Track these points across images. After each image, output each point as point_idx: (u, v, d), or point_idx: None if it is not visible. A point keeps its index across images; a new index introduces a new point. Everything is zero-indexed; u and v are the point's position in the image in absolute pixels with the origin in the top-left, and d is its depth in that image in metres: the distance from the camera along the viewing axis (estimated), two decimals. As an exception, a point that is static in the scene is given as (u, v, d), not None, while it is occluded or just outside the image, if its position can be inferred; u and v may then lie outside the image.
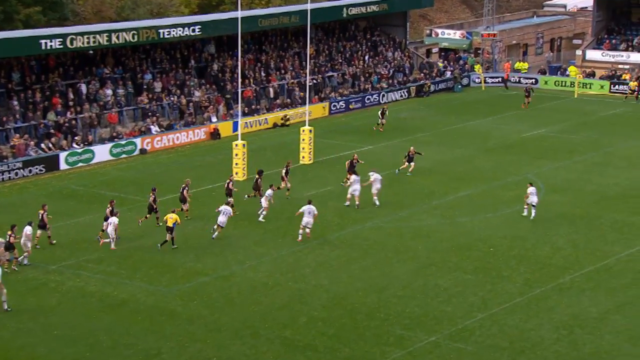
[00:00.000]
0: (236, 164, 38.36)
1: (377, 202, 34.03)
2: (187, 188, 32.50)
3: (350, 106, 55.41)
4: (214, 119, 48.54)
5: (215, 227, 30.23)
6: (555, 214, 32.94)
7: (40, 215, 29.31)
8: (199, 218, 32.01)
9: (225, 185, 33.15)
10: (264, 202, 32.49)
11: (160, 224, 30.84)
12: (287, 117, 51.21)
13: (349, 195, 33.91)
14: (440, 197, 35.61)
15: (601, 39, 65.55)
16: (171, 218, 29.13)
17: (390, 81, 59.57)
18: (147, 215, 31.44)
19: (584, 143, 44.43)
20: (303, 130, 41.69)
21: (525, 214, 32.69)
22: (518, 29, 74.39)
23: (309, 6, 43.23)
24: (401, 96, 58.73)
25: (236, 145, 38.50)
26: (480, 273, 27.10)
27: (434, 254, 28.95)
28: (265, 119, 50.54)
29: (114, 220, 29.18)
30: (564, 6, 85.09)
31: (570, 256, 28.42)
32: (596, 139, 45.43)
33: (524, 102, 53.63)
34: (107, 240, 29.27)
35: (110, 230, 29.10)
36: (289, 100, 53.29)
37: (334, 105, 54.65)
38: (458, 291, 25.70)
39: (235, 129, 45.72)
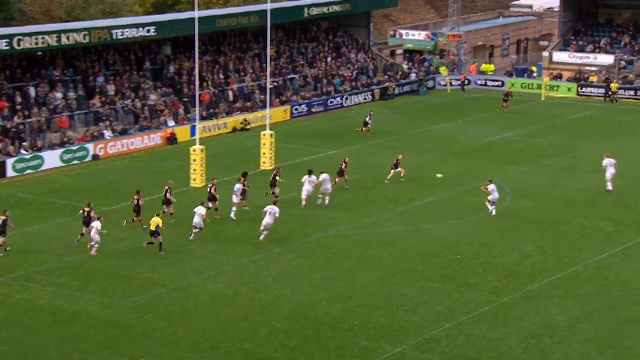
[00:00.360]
0: (194, 170, 38.17)
1: (326, 203, 34.68)
2: (170, 190, 32.86)
3: (313, 110, 55.52)
4: (170, 124, 48.26)
5: (196, 231, 30.63)
6: (523, 220, 33.37)
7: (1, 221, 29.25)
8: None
9: (208, 190, 33.50)
10: (234, 198, 32.91)
11: (145, 226, 31.13)
12: (247, 121, 51.13)
13: (304, 196, 34.56)
14: (406, 203, 35.83)
15: (568, 40, 66.59)
16: (154, 222, 29.42)
17: (354, 84, 59.83)
18: (133, 219, 31.58)
19: (551, 147, 45.08)
20: (264, 135, 41.64)
21: (494, 213, 33.55)
22: (484, 30, 75.27)
23: (269, 6, 43.26)
24: (365, 99, 59.02)
25: (194, 150, 38.31)
26: (447, 281, 27.32)
27: (400, 262, 29.12)
28: (225, 123, 50.39)
29: (97, 224, 29.33)
30: (531, 7, 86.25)
31: (538, 263, 28.80)
32: (564, 143, 46.14)
33: (502, 105, 54.07)
34: (94, 244, 29.28)
35: (93, 234, 29.24)
36: (249, 103, 53.22)
37: (296, 109, 54.71)
38: (424, 300, 25.88)
39: (193, 133, 45.51)
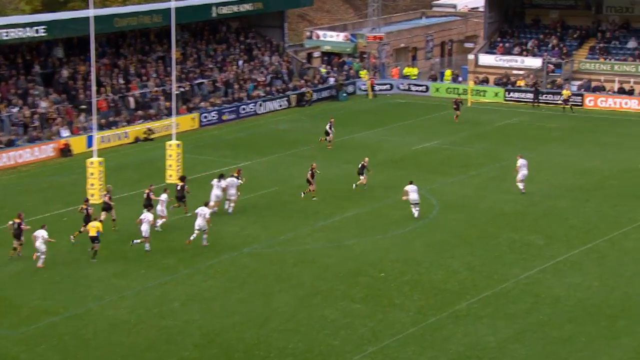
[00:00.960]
0: (92, 184, 37.45)
1: (230, 210, 35.76)
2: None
3: (223, 117, 55.31)
4: (64, 134, 47.27)
5: (142, 239, 31.52)
6: (450, 234, 33.96)
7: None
8: (48, 248, 30.97)
9: (145, 196, 33.99)
10: (160, 208, 33.41)
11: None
12: (151, 130, 50.55)
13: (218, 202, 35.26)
14: (325, 218, 36.00)
15: (494, 42, 68.28)
16: (94, 226, 29.90)
17: (268, 89, 59.92)
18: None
19: (479, 156, 46.08)
20: (170, 145, 41.23)
21: (416, 215, 35.03)
22: (406, 31, 76.50)
23: (173, 4, 42.89)
24: (280, 106, 59.16)
25: (91, 163, 37.61)
26: (370, 302, 27.54)
27: (320, 281, 29.21)
28: (126, 132, 49.70)
29: (42, 233, 29.84)
30: (454, 6, 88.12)
31: (467, 280, 29.34)
32: (492, 151, 47.23)
33: (455, 114, 53.84)
34: (40, 254, 29.67)
35: (39, 244, 29.63)
36: (152, 111, 52.63)
37: (205, 117, 54.41)
38: (346, 322, 26.01)
39: (89, 144, 44.68)
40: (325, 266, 30.61)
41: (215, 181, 35.94)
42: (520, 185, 39.01)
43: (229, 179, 36.21)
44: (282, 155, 46.28)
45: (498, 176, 42.11)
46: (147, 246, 31.67)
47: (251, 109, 57.18)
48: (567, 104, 57.56)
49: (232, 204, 36.14)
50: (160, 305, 27.15)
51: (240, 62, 61.02)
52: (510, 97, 61.46)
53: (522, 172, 38.98)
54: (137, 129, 50.04)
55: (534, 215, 36.11)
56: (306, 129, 53.49)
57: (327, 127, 47.85)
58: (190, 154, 44.39)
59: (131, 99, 52.46)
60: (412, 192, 35.43)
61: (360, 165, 39.80)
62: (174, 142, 41.29)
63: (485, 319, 26.18)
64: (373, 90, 63.20)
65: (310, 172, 38.01)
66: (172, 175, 40.30)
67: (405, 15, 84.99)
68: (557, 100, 59.44)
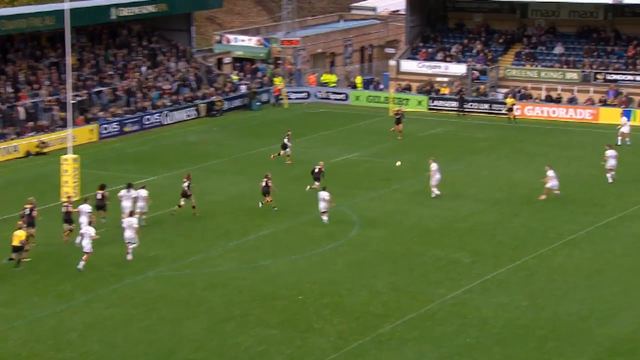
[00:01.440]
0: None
1: (143, 223, 35.75)
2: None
3: (125, 129, 54.65)
4: (-55, 147, 45.95)
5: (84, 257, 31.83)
6: (373, 253, 34.19)
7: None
8: None
9: (64, 211, 34.32)
10: (84, 224, 33.35)
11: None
12: (44, 143, 49.58)
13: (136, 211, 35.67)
14: (238, 237, 35.84)
15: (416, 47, 69.28)
16: (17, 235, 30.13)
17: (174, 98, 59.47)
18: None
19: (402, 168, 46.56)
20: (65, 160, 40.50)
21: (324, 220, 36.62)
22: (323, 35, 77.03)
23: (66, 5, 42.16)
24: (188, 116, 58.78)
25: (-24, 180, 36.65)
26: (287, 327, 27.48)
27: (233, 306, 29.03)
28: (15, 146, 48.66)
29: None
30: (374, 9, 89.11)
31: (390, 302, 29.55)
32: (416, 163, 47.79)
33: (394, 128, 53.00)
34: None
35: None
36: (45, 122, 51.60)
37: (105, 128, 53.65)
38: (261, 350, 25.89)
39: (-25, 159, 43.55)
40: (239, 289, 30.43)
41: (123, 192, 36.12)
42: (436, 190, 40.66)
43: (140, 190, 36.42)
44: (191, 170, 45.93)
45: (422, 190, 42.59)
46: (81, 264, 31.49)
47: (156, 119, 56.61)
48: (511, 113, 58.15)
49: (142, 217, 36.06)
50: (55, 336, 26.55)
51: (144, 69, 60.40)
52: (434, 105, 62.40)
53: (436, 177, 40.65)
54: (28, 141, 48.98)
55: (460, 231, 36.65)
56: (217, 140, 53.23)
57: (285, 140, 47.53)
58: (89, 169, 43.66)
59: (21, 109, 51.35)
60: (321, 201, 36.68)
61: (316, 170, 41.22)
62: (70, 156, 40.56)
63: (410, 343, 26.39)
64: (279, 100, 63.07)
65: (265, 181, 38.75)
66: (69, 192, 39.54)
67: (322, 18, 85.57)
68: (485, 108, 60.69)
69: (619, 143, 50.84)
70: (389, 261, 33.20)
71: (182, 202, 37.92)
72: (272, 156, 47.36)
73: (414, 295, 30.03)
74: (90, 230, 31.99)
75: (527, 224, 37.50)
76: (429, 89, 63.81)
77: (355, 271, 32.19)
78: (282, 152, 47.34)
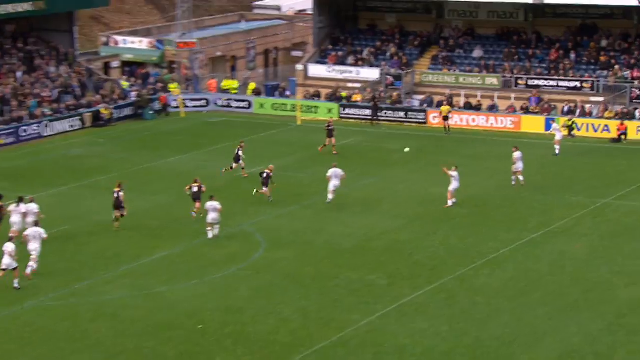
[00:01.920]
0: None
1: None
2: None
3: None
4: None
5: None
6: (280, 276, 34.17)
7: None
8: None
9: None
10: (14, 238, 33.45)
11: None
12: None
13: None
14: (130, 260, 35.43)
15: (325, 50, 69.74)
16: None
17: (55, 106, 58.51)
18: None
19: (313, 183, 46.73)
20: None
21: (210, 237, 37.46)
22: (223, 36, 76.99)
23: None
24: (72, 126, 57.95)
25: None
26: (185, 359, 27.31)
27: (124, 338, 28.64)
28: None
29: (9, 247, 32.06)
30: (278, 8, 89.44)
31: (300, 330, 29.57)
32: (324, 177, 47.93)
33: (330, 142, 52.21)
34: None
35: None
36: None
37: (-24, 140, 52.48)
38: (158, 387, 25.62)
39: None
40: (131, 320, 30.06)
41: (13, 207, 36.28)
42: (330, 196, 42.32)
43: (30, 205, 36.48)
44: (75, 187, 45.20)
45: (335, 207, 42.82)
46: (15, 282, 32.01)
47: (34, 130, 55.60)
48: (447, 122, 58.64)
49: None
50: None
51: (19, 74, 59.28)
52: (346, 113, 62.84)
53: (333, 183, 42.43)
54: None
55: (375, 251, 36.93)
56: (105, 153, 52.54)
57: (238, 151, 47.36)
58: (-41, 187, 42.62)
59: None
60: (211, 212, 37.53)
61: (265, 175, 42.40)
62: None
63: (322, 375, 26.45)
64: (166, 109, 62.60)
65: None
66: None
67: (222, 18, 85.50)
68: (401, 117, 61.40)
69: (557, 153, 52.15)
70: (298, 285, 33.23)
71: (116, 214, 38.68)
72: (223, 170, 47.32)
73: (326, 322, 30.10)
74: (9, 247, 32.29)
75: (446, 242, 38.02)
76: (339, 95, 64.15)
77: (260, 297, 32.11)
78: (234, 165, 47.38)
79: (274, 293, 32.48)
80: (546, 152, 53.17)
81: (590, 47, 63.98)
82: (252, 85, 66.64)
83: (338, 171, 43.03)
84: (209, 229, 37.91)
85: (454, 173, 42.44)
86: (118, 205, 38.61)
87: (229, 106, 65.19)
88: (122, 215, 38.78)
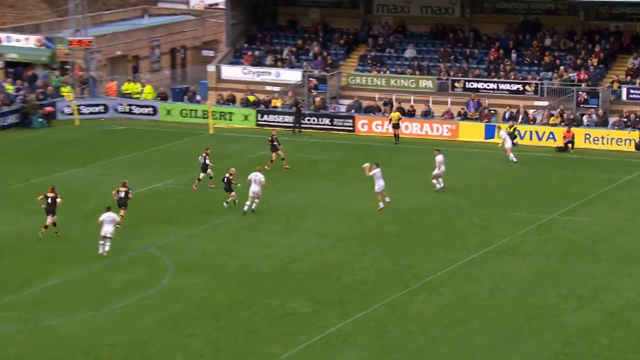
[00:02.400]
0: None
1: None
2: None
3: None
4: None
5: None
6: (190, 305, 33.89)
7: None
8: None
9: None
10: None
11: None
12: None
13: None
14: (17, 289, 34.87)
15: (240, 49, 69.62)
16: None
17: None
18: None
19: (226, 196, 46.52)
20: None
21: (101, 252, 37.98)
22: (123, 34, 76.41)
23: None
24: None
25: None
26: (83, 403, 26.87)
27: (10, 380, 28.15)
28: None
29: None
30: (186, 2, 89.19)
31: (213, 365, 29.42)
32: (245, 190, 47.78)
33: (277, 157, 51.67)
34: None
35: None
36: None
37: None
38: None
39: None
40: (16, 358, 29.50)
41: None
42: (247, 204, 43.49)
43: None
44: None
45: (251, 225, 42.67)
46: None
47: None
48: (398, 130, 58.63)
49: None
50: None
51: None
52: (265, 120, 62.74)
53: (252, 189, 43.50)
54: None
55: (298, 275, 36.87)
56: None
57: (203, 160, 47.12)
58: None
59: None
60: (106, 224, 38.13)
61: (225, 180, 43.94)
62: None
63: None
64: (49, 120, 61.60)
65: (123, 191, 41.68)
66: None
67: (122, 13, 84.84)
68: (326, 124, 61.49)
69: (515, 160, 52.99)
70: (209, 315, 33.01)
71: (49, 220, 39.83)
72: (194, 187, 47.35)
73: (242, 356, 29.96)
74: (261, 177, 35.38)
75: (378, 264, 38.12)
76: (256, 101, 64.03)
77: (167, 328, 31.84)
78: (202, 175, 47.29)
79: (182, 324, 32.19)
80: (486, 163, 53.79)
81: (533, 46, 64.97)
82: (148, 89, 65.99)
83: (259, 175, 43.67)
84: (101, 242, 38.17)
85: (376, 171, 43.62)
86: (51, 211, 39.93)
87: (130, 112, 64.63)
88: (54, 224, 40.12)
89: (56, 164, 52.44)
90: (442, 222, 43.58)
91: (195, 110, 63.88)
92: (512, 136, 56.86)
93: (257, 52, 68.50)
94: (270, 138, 52.77)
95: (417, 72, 64.98)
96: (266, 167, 49.97)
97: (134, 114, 64.63)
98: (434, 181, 47.24)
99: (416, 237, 41.38)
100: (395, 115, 59.50)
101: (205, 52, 79.91)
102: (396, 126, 58.85)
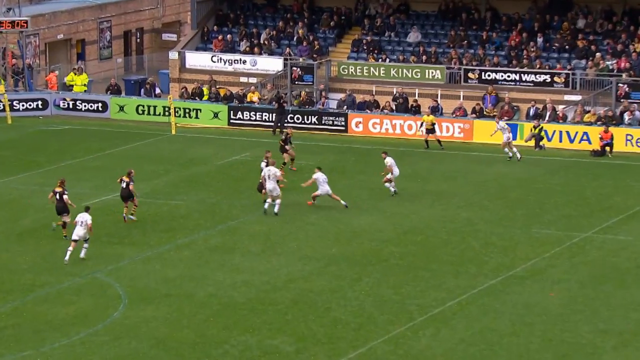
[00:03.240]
0: None
1: None
2: None
3: None
4: None
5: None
6: (148, 342, 33.86)
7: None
8: None
9: None
10: None
11: None
12: None
13: None
14: None
15: (209, 32, 69.60)
16: None
17: None
18: None
19: (191, 213, 46.51)
20: None
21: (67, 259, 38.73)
22: (66, 13, 76.16)
23: None
24: None
25: None
26: None
27: None
28: None
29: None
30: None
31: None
32: (211, 205, 47.83)
33: (290, 155, 52.96)
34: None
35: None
36: None
37: None
38: None
39: None
40: None
41: None
42: (269, 203, 45.81)
43: None
44: None
45: (223, 244, 42.67)
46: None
47: None
48: (433, 135, 58.42)
49: None
50: None
51: None
52: (238, 119, 62.75)
53: (268, 187, 45.38)
54: None
55: (279, 305, 36.87)
56: None
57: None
58: None
59: None
60: (79, 226, 40.00)
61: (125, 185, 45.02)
62: None
63: None
64: None
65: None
66: None
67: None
68: (313, 123, 61.49)
69: (519, 157, 53.23)
70: (172, 354, 33.02)
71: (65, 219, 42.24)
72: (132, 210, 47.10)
73: (212, 404, 30.02)
74: (276, 172, 37.36)
75: (375, 292, 38.14)
76: (228, 94, 63.98)
77: (121, 371, 31.90)
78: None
79: (139, 366, 32.24)
80: (507, 170, 53.92)
81: (563, 29, 65.15)
82: (81, 79, 65.65)
83: (272, 170, 45.82)
84: (70, 248, 39.77)
85: (317, 176, 46.59)
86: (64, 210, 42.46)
87: (75, 109, 64.57)
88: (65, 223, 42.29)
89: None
90: (452, 241, 43.66)
91: (154, 107, 63.89)
92: (538, 138, 57.02)
93: (229, 36, 68.53)
94: (283, 137, 53.56)
95: (423, 61, 65.00)
96: (292, 168, 53.09)
97: (79, 110, 64.59)
98: (387, 184, 49.09)
99: (422, 260, 41.43)
100: (428, 118, 59.01)
101: (166, 36, 79.89)
102: (431, 131, 58.50)
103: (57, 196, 42.49)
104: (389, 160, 48.91)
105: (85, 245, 40.44)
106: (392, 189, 49.16)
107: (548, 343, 33.93)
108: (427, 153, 57.63)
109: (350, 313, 36.37)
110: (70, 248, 39.81)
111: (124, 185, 44.72)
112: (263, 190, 46.64)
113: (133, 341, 33.94)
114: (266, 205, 46.24)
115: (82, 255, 40.36)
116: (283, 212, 46.48)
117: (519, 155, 54.80)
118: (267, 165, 47.07)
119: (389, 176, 48.94)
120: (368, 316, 36.11)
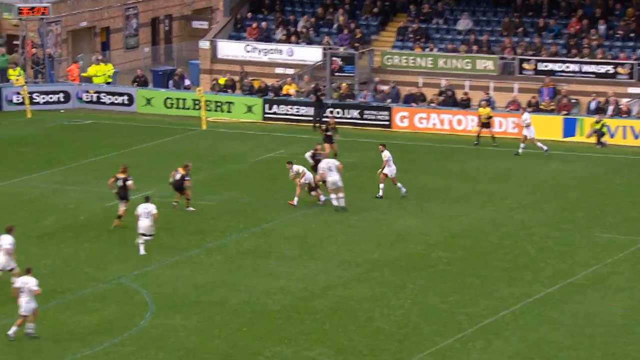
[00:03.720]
0: None
1: None
2: None
3: None
4: None
5: None
6: (177, 353, 33.91)
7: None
8: None
9: None
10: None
11: None
12: None
13: None
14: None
15: (242, 20, 69.67)
16: None
17: None
18: None
19: (223, 214, 46.59)
20: None
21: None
22: (89, 1, 76.24)
23: None
24: None
25: None
26: None
27: None
28: None
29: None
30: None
31: None
32: (245, 205, 47.89)
33: (332, 150, 53.26)
34: None
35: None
36: None
37: None
38: None
39: None
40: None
41: None
42: (334, 202, 46.52)
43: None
44: None
45: (257, 248, 42.74)
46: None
47: None
48: (488, 129, 58.48)
49: None
50: None
51: None
52: (273, 113, 62.81)
53: (332, 179, 46.55)
54: None
55: (317, 314, 36.89)
56: None
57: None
58: None
59: None
60: (143, 218, 41.16)
61: (177, 177, 46.18)
62: None
63: None
64: None
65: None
66: None
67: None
68: (354, 117, 61.55)
69: (520, 152, 54.15)
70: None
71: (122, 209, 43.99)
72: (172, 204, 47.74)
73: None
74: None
75: (421, 301, 38.08)
76: (264, 87, 64.00)
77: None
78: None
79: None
80: (566, 168, 53.75)
81: (628, 15, 64.85)
82: (92, 69, 65.72)
83: (331, 162, 47.05)
84: (140, 242, 41.70)
85: (386, 153, 47.72)
86: (124, 196, 44.39)
87: (99, 102, 64.81)
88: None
89: (1, 169, 52.67)
90: (505, 246, 43.57)
91: (184, 99, 64.03)
92: (600, 134, 56.80)
93: (263, 24, 68.60)
94: (325, 127, 54.12)
95: (474, 50, 64.88)
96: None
97: (104, 103, 64.81)
98: (399, 184, 49.05)
99: (471, 266, 41.36)
100: (484, 111, 58.92)
101: (196, 24, 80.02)
102: (486, 125, 58.51)
103: (121, 182, 43.59)
104: (386, 154, 49.05)
105: (148, 238, 41.71)
106: (403, 189, 49.11)
107: (610, 357, 33.85)
108: (477, 150, 57.49)
109: (394, 323, 36.37)
110: (141, 241, 41.21)
111: (177, 176, 46.24)
112: (313, 192, 47.16)
113: (160, 352, 34.08)
114: (335, 202, 46.95)
115: (141, 252, 41.52)
116: (322, 213, 46.53)
117: (520, 150, 54.65)
118: (313, 157, 48.27)
119: (386, 171, 49.00)
120: (413, 326, 36.10)
